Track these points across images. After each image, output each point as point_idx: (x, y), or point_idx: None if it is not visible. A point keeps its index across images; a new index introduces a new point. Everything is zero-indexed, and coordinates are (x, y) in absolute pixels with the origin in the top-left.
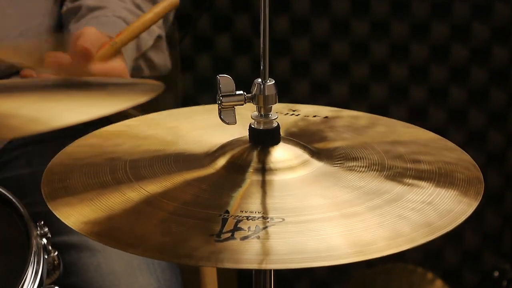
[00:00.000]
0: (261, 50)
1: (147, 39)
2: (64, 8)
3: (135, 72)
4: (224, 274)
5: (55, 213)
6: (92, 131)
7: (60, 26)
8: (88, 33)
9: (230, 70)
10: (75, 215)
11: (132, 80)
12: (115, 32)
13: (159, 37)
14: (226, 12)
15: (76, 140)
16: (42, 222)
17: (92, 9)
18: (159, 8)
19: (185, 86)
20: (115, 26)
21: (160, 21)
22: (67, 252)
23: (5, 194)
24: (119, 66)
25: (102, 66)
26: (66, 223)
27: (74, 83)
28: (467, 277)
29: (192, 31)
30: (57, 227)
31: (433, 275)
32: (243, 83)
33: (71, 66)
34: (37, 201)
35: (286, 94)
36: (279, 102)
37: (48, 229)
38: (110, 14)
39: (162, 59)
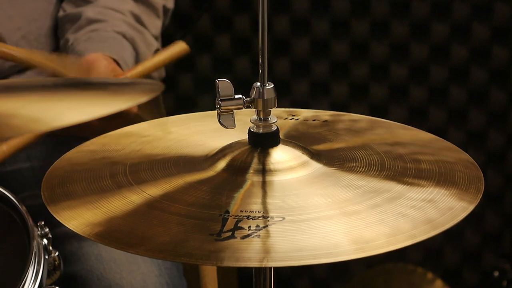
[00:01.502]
0: (260, 54)
1: (146, 53)
2: (62, 12)
3: None
4: (224, 274)
5: (56, 217)
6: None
7: (56, 29)
8: (99, 67)
9: (230, 70)
10: (76, 218)
11: (132, 80)
12: (115, 51)
13: (156, 51)
14: (226, 12)
15: (76, 147)
16: (43, 222)
17: (91, 21)
18: (171, 52)
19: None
20: (115, 43)
21: (158, 33)
22: (68, 241)
23: (5, 194)
24: None
25: None
26: (68, 226)
27: (74, 83)
28: (467, 277)
29: (192, 31)
30: None
31: (433, 275)
32: (243, 83)
33: None
34: (36, 195)
35: (286, 95)
36: (278, 102)
37: (49, 219)
38: (110, 29)
39: (158, 70)
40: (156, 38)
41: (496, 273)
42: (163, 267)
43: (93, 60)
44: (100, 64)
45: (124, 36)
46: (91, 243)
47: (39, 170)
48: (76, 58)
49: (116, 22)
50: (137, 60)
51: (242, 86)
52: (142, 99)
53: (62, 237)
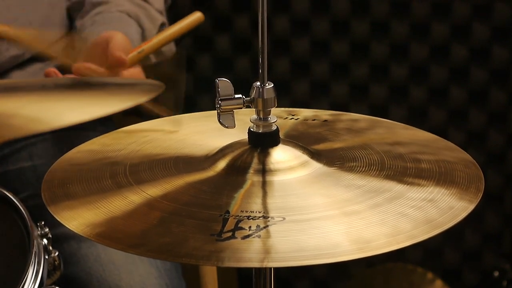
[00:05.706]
0: (260, 54)
1: (151, 29)
2: (67, 2)
3: (142, 60)
4: (224, 274)
5: (56, 218)
6: (94, 127)
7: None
8: (118, 40)
9: (230, 70)
10: (76, 218)
11: (133, 80)
12: (121, 30)
13: (162, 25)
14: (226, 12)
15: (77, 147)
16: (43, 222)
17: (95, 4)
18: (185, 23)
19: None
20: (120, 22)
21: (162, 7)
22: (67, 242)
23: (6, 194)
24: (139, 71)
25: (129, 72)
26: (68, 227)
27: (75, 83)
28: (467, 277)
29: (192, 31)
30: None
31: (433, 275)
32: (243, 83)
33: (103, 74)
34: (37, 194)
35: (286, 95)
36: (278, 103)
37: (48, 220)
38: (114, 10)
39: (167, 45)
40: (161, 12)
41: (496, 273)
42: (162, 268)
43: (109, 35)
44: (118, 37)
45: (128, 14)
46: (90, 245)
47: (41, 169)
48: (87, 40)
49: (119, 1)
50: (143, 36)
51: (242, 86)
52: (142, 99)
53: (61, 238)
